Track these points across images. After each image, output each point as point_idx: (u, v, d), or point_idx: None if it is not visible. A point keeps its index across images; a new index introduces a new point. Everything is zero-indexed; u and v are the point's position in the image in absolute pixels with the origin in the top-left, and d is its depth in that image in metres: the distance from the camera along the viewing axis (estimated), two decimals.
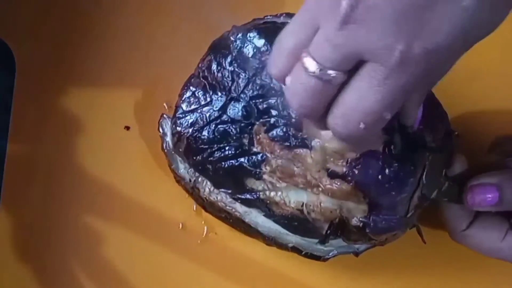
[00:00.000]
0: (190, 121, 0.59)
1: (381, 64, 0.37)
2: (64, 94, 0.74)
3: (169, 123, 0.63)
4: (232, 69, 0.58)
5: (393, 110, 0.40)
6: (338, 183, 0.53)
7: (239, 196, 0.58)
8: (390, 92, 0.38)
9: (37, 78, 0.75)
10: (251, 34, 0.58)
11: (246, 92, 0.57)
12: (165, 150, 0.63)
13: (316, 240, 0.57)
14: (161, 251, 0.69)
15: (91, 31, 0.76)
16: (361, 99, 0.39)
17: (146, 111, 0.73)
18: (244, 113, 0.57)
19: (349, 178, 0.52)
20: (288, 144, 0.54)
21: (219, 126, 0.58)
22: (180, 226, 0.69)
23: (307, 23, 0.41)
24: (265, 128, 0.55)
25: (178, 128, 0.60)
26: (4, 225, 0.71)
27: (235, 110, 0.57)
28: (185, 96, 0.61)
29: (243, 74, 0.57)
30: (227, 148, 0.57)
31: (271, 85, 0.55)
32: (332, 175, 0.53)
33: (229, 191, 0.59)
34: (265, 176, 0.56)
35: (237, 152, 0.57)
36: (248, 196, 0.58)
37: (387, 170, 0.51)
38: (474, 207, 0.54)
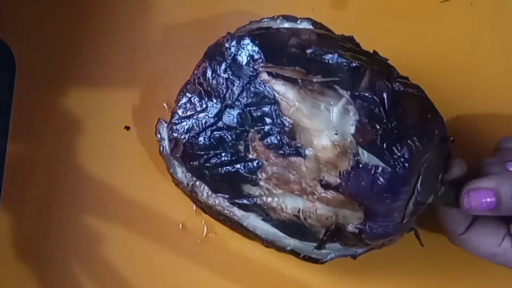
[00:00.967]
0: (186, 127, 0.59)
1: None
2: (64, 94, 0.74)
3: (166, 128, 0.63)
4: (227, 76, 0.58)
5: None
6: (333, 193, 0.53)
7: (237, 201, 0.58)
8: None
9: (37, 78, 0.75)
10: (245, 41, 0.58)
11: (241, 99, 0.56)
12: (163, 155, 0.63)
13: (314, 244, 0.57)
14: (161, 251, 0.69)
15: (91, 31, 0.76)
16: None
17: (146, 111, 0.73)
18: (239, 120, 0.56)
19: (343, 190, 0.52)
20: (282, 152, 0.54)
21: (215, 133, 0.57)
22: (180, 226, 0.69)
23: None
24: (259, 135, 0.55)
25: (175, 134, 0.60)
26: (4, 225, 0.71)
27: (230, 117, 0.57)
28: (181, 102, 0.61)
29: (238, 82, 0.57)
30: (223, 154, 0.57)
31: (265, 93, 0.55)
32: (326, 186, 0.53)
33: (227, 196, 0.59)
34: (261, 183, 0.56)
35: (233, 158, 0.57)
36: (245, 201, 0.58)
37: (380, 181, 0.51)
38: (471, 211, 0.54)
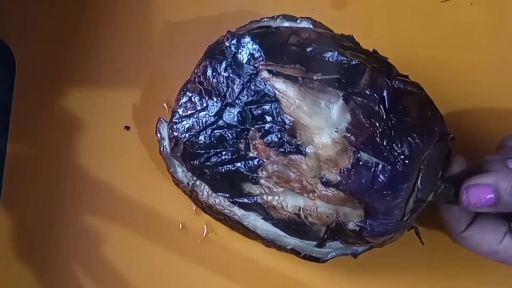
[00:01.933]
0: (187, 126, 0.59)
1: None
2: (64, 94, 0.74)
3: (166, 127, 0.63)
4: (227, 75, 0.58)
5: None
6: (334, 191, 0.53)
7: (237, 200, 0.58)
8: None
9: (37, 78, 0.75)
10: (245, 40, 0.58)
11: (241, 97, 0.56)
12: (163, 154, 0.63)
13: (314, 242, 0.57)
14: (161, 251, 0.69)
15: (91, 31, 0.76)
16: None
17: (146, 111, 0.73)
18: (240, 118, 0.56)
19: (343, 187, 0.52)
20: (283, 150, 0.54)
21: (215, 131, 0.57)
22: (180, 226, 0.69)
23: None
24: (260, 134, 0.55)
25: (175, 133, 0.60)
26: (4, 225, 0.71)
27: (231, 115, 0.57)
28: (181, 101, 0.61)
29: (238, 80, 0.57)
30: (223, 153, 0.57)
31: (266, 91, 0.55)
32: (326, 183, 0.53)
33: (227, 195, 0.59)
34: (262, 181, 0.56)
35: (234, 157, 0.57)
36: (245, 200, 0.58)
37: (380, 178, 0.51)
38: (470, 207, 0.54)
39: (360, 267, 0.65)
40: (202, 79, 0.60)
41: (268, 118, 0.55)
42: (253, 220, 0.59)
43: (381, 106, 0.52)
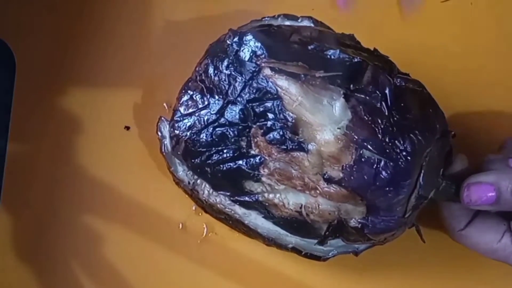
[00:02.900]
0: (188, 124, 0.59)
1: None
2: (64, 94, 0.74)
3: (167, 126, 0.63)
4: (229, 72, 0.58)
5: None
6: (336, 187, 0.53)
7: (238, 198, 0.58)
8: None
9: (37, 78, 0.75)
10: (247, 37, 0.58)
11: (243, 95, 0.56)
12: (164, 153, 0.63)
13: (315, 240, 0.57)
14: (161, 251, 0.69)
15: (91, 31, 0.76)
16: None
17: (146, 111, 0.73)
18: (241, 116, 0.56)
19: (345, 184, 0.52)
20: (285, 147, 0.54)
21: (217, 129, 0.57)
22: (180, 226, 0.69)
23: None
24: (262, 131, 0.55)
25: (176, 132, 0.60)
26: (4, 225, 0.71)
27: (233, 113, 0.57)
28: (182, 99, 0.61)
29: (240, 78, 0.57)
30: (225, 151, 0.57)
31: (268, 88, 0.55)
32: (329, 180, 0.53)
33: (228, 194, 0.59)
34: (263, 179, 0.56)
35: (235, 154, 0.57)
36: (247, 198, 0.58)
37: (382, 174, 0.51)
38: (470, 205, 0.54)
39: (361, 265, 0.65)
40: (203, 77, 0.60)
41: (270, 116, 0.55)
42: (254, 218, 0.59)
43: (383, 103, 0.52)
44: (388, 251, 0.61)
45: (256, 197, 0.57)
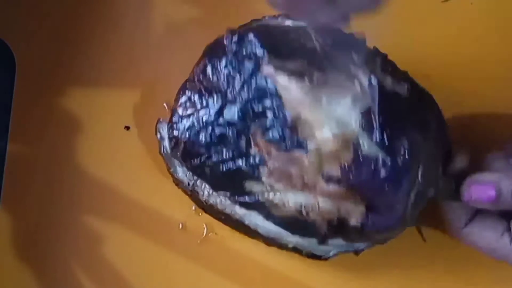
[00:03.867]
0: (187, 125, 0.59)
1: None
2: (64, 94, 0.74)
3: (166, 127, 0.63)
4: (228, 72, 0.58)
5: None
6: (335, 186, 0.53)
7: (238, 198, 0.58)
8: None
9: (37, 78, 0.75)
10: (247, 36, 0.58)
11: (242, 94, 0.56)
12: (163, 154, 0.63)
13: (316, 240, 0.57)
14: (161, 251, 0.69)
15: (91, 31, 0.76)
16: None
17: (146, 111, 0.73)
18: (240, 115, 0.56)
19: (344, 182, 0.53)
20: (284, 146, 0.54)
21: (216, 130, 0.57)
22: (180, 226, 0.69)
23: None
24: (261, 130, 0.55)
25: (175, 133, 0.60)
26: (4, 225, 0.71)
27: (231, 113, 0.57)
28: (180, 100, 0.61)
29: (239, 77, 0.57)
30: (224, 151, 0.57)
31: (267, 87, 0.55)
32: (328, 179, 0.53)
33: (228, 194, 0.59)
34: (263, 178, 0.56)
35: (235, 154, 0.57)
36: (247, 198, 0.58)
37: (381, 172, 0.51)
38: (470, 203, 0.55)
39: (362, 264, 0.65)
40: (201, 78, 0.60)
41: (269, 115, 0.55)
42: (254, 219, 0.59)
43: (380, 101, 0.52)
44: (389, 251, 0.61)
45: (256, 197, 0.57)
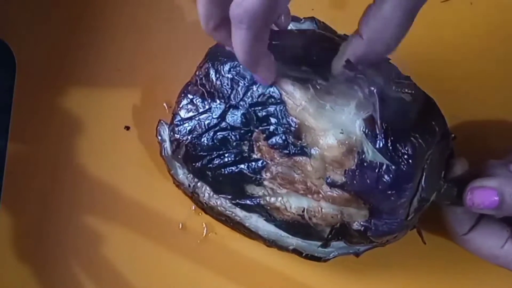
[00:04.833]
0: (189, 128, 0.59)
1: None
2: (64, 94, 0.74)
3: (167, 129, 0.63)
4: (231, 76, 0.57)
5: None
6: (338, 191, 0.53)
7: (239, 201, 0.59)
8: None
9: (37, 78, 0.75)
10: None
11: (246, 99, 0.56)
12: (164, 156, 0.63)
13: (317, 242, 0.57)
14: (161, 251, 0.69)
15: (91, 31, 0.76)
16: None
17: (146, 111, 0.73)
18: (244, 120, 0.56)
19: (348, 188, 0.53)
20: (288, 152, 0.54)
21: (218, 133, 0.58)
22: (180, 226, 0.69)
23: None
24: (264, 135, 0.55)
25: (177, 136, 0.60)
26: (4, 225, 0.71)
27: (234, 117, 0.57)
28: (182, 103, 0.61)
29: (242, 82, 0.57)
30: (226, 155, 0.57)
31: (271, 93, 0.55)
32: (332, 184, 0.53)
33: (229, 197, 0.59)
34: (265, 182, 0.56)
35: (237, 158, 0.57)
36: (248, 201, 0.58)
37: (385, 178, 0.51)
38: (473, 208, 0.55)
39: (362, 265, 0.65)
40: (204, 81, 0.60)
41: (273, 120, 0.55)
42: (255, 221, 0.60)
43: (384, 107, 0.52)
44: (389, 253, 0.61)
45: (258, 201, 0.57)
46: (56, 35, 0.76)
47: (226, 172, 0.58)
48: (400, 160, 0.51)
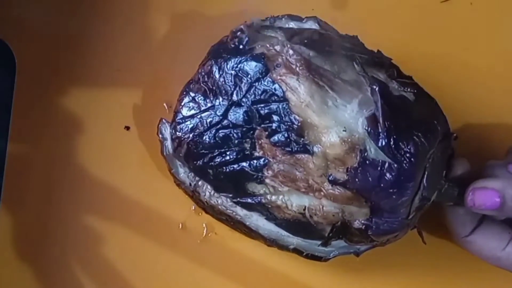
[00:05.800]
0: (190, 126, 0.59)
1: None
2: (64, 94, 0.74)
3: (168, 127, 0.62)
4: (235, 73, 0.57)
5: None
6: (340, 189, 0.53)
7: (240, 200, 0.59)
8: None
9: (37, 78, 0.75)
10: (253, 38, 0.58)
11: (248, 96, 0.56)
12: (165, 155, 0.63)
13: (317, 241, 0.57)
14: (161, 251, 0.69)
15: (91, 31, 0.76)
16: None
17: (146, 111, 0.73)
18: (246, 118, 0.56)
19: (350, 186, 0.53)
20: (290, 149, 0.54)
21: (220, 131, 0.57)
22: (180, 226, 0.69)
23: None
24: (266, 133, 0.55)
25: (178, 134, 0.60)
26: (4, 225, 0.71)
27: (236, 115, 0.57)
28: (184, 101, 0.61)
29: (245, 79, 0.57)
30: (228, 153, 0.57)
31: (274, 90, 0.55)
32: (334, 182, 0.53)
33: (230, 195, 0.59)
34: (267, 181, 0.56)
35: (239, 156, 0.57)
36: (249, 200, 0.58)
37: (387, 176, 0.51)
38: (473, 209, 0.55)
39: (362, 265, 0.65)
40: (206, 79, 0.59)
41: (275, 118, 0.55)
42: (256, 220, 0.59)
43: (386, 106, 0.52)
44: (389, 252, 0.61)
45: (259, 199, 0.57)
46: (56, 36, 0.76)
47: (227, 170, 0.57)
48: (402, 158, 0.51)
